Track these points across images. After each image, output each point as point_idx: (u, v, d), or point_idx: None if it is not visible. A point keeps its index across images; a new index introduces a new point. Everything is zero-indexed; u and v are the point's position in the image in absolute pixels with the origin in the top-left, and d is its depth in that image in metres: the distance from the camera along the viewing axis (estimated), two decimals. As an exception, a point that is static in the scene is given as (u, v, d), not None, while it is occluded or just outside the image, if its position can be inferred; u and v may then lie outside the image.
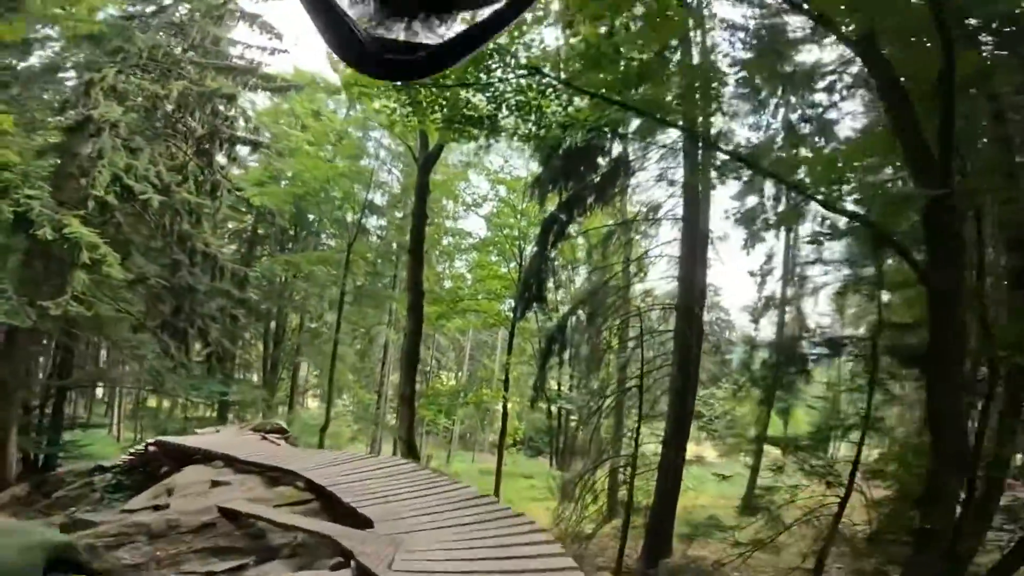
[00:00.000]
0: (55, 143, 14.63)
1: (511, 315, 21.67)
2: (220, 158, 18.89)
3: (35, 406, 20.96)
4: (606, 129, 12.37)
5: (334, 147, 21.39)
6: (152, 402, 25.56)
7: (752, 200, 13.59)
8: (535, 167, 16.80)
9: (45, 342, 20.58)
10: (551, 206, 13.95)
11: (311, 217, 23.89)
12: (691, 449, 14.46)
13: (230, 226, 24.87)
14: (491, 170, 21.81)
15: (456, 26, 0.53)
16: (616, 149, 13.78)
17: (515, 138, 11.36)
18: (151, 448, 9.77)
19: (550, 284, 14.47)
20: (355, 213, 21.68)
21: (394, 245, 26.06)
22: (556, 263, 14.10)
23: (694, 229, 12.42)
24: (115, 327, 18.51)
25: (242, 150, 19.52)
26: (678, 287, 12.75)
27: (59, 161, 14.86)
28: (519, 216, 19.78)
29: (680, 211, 12.80)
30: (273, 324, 25.41)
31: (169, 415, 23.05)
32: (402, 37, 0.53)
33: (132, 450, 11.17)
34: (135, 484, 8.94)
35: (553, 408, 23.45)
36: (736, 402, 17.58)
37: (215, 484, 7.24)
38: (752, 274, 17.86)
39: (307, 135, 20.59)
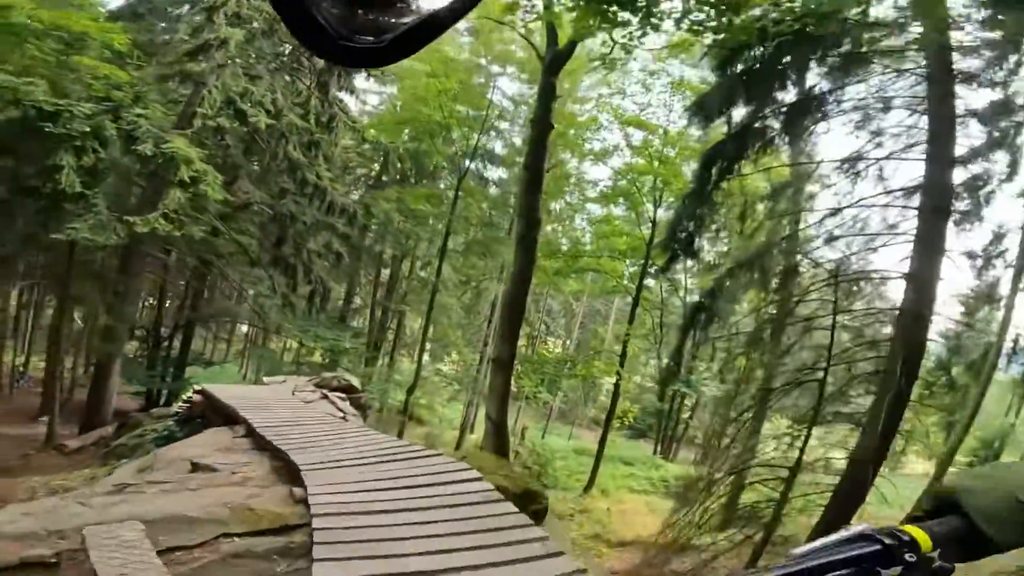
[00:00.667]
0: (176, 68, 14.01)
1: (634, 279, 18.81)
2: (337, 91, 17.70)
3: (164, 338, 21.90)
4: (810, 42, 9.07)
5: (454, 84, 19.45)
6: (274, 343, 26.09)
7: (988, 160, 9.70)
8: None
9: (183, 282, 21.58)
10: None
11: (431, 164, 22.30)
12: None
13: (359, 172, 24.18)
14: (621, 112, 18.71)
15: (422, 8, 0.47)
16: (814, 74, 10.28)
17: (682, 28, 8.36)
18: (197, 397, 8.45)
19: (705, 234, 11.38)
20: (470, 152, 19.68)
21: (512, 199, 24.01)
22: (717, 208, 10.93)
23: (938, 190, 8.81)
24: (232, 260, 18.40)
25: (361, 83, 18.17)
26: (911, 261, 9.15)
27: (178, 84, 14.27)
28: (658, 162, 16.62)
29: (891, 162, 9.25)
30: (386, 272, 24.61)
31: (281, 356, 23.11)
32: (366, 20, 0.48)
33: (185, 397, 10.12)
34: (187, 435, 7.61)
35: (670, 389, 20.47)
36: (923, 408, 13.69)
37: (196, 467, 5.32)
38: (972, 256, 13.44)
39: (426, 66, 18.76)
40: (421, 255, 21.65)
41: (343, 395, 9.88)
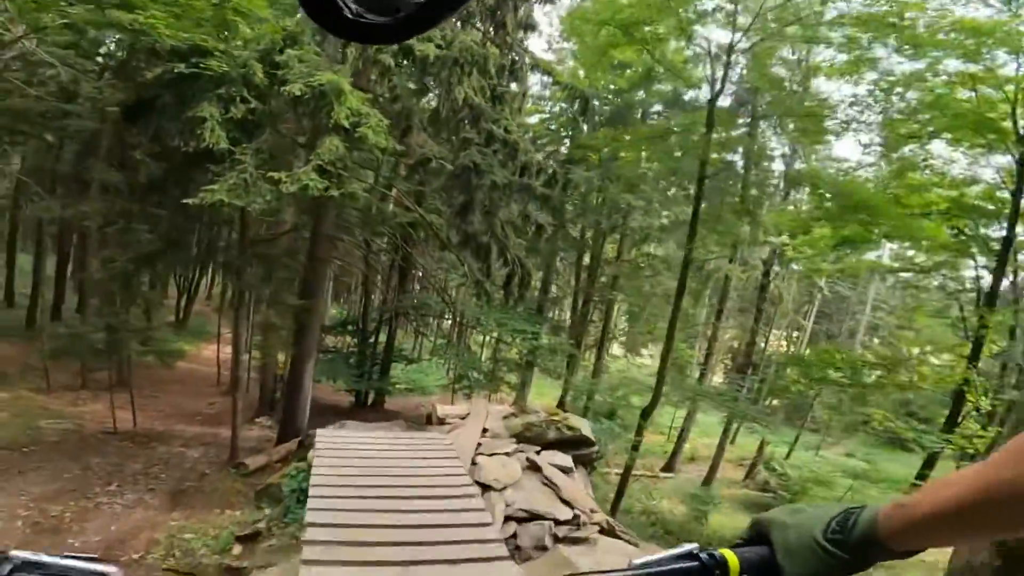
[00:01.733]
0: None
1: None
2: (518, 31, 14.25)
3: (370, 333, 21.16)
4: None
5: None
6: (472, 338, 24.23)
7: None
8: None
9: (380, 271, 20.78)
10: None
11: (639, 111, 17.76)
12: None
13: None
14: None
15: None
16: None
17: None
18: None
19: None
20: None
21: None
22: None
23: None
24: (423, 240, 16.22)
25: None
26: None
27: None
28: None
29: None
30: (587, 257, 20.83)
31: (480, 353, 20.71)
32: None
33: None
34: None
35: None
36: None
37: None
38: None
39: None
40: (636, 227, 17.22)
41: (564, 458, 6.46)
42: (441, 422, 8.61)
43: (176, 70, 7.37)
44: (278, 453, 10.45)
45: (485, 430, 7.70)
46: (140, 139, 8.46)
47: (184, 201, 6.79)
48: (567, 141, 19.49)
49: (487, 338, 23.33)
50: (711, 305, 19.93)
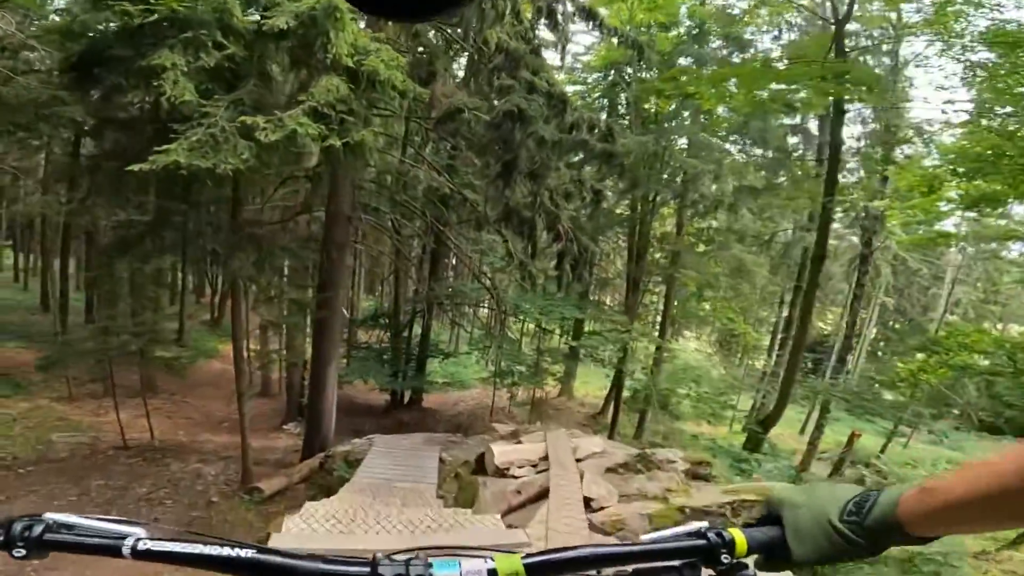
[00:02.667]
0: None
1: None
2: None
3: (403, 327, 19.55)
4: None
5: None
6: (514, 327, 22.32)
7: None
8: None
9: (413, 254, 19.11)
10: None
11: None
12: None
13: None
14: None
15: None
16: None
17: None
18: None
19: None
20: None
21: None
22: None
23: None
24: (456, 229, 14.40)
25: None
26: None
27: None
28: None
29: None
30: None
31: (519, 345, 18.83)
32: None
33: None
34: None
35: None
36: None
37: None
38: None
39: None
40: (704, 196, 14.83)
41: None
42: (501, 473, 5.68)
43: (124, 13, 5.58)
44: (299, 472, 8.83)
45: (589, 502, 4.79)
46: (91, 105, 6.77)
47: (129, 168, 5.06)
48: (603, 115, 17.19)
49: (529, 326, 21.44)
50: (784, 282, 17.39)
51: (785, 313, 16.93)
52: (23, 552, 0.58)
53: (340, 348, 11.10)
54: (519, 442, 5.99)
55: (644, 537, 0.66)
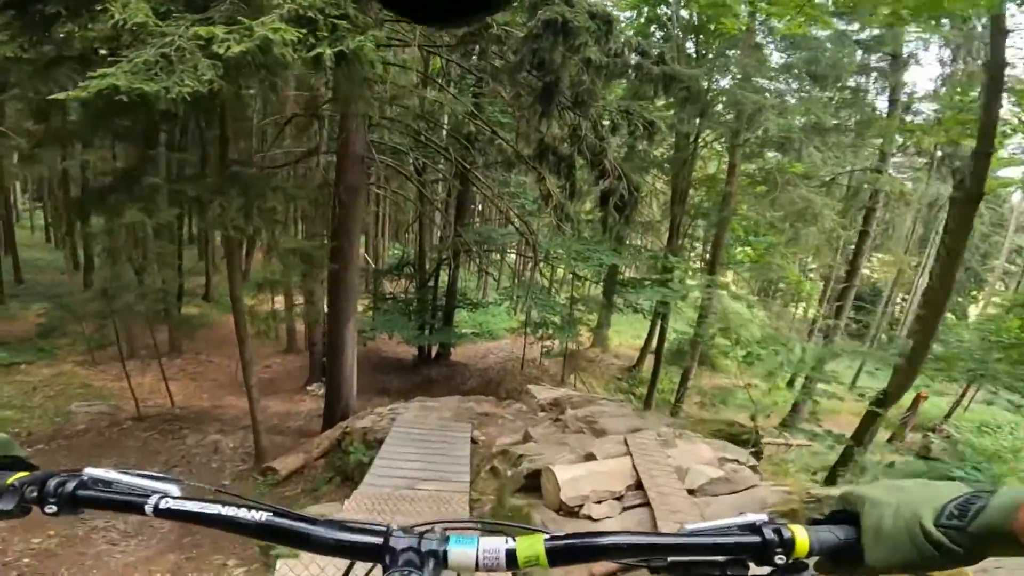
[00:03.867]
0: None
1: None
2: None
3: (428, 276, 18.43)
4: None
5: None
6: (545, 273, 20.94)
7: None
8: None
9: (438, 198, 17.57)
10: None
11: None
12: None
13: None
14: None
15: None
16: None
17: None
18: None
19: None
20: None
21: None
22: None
23: None
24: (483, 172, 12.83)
25: None
26: None
27: None
28: None
29: None
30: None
31: (549, 291, 17.50)
32: None
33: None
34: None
35: None
36: None
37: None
38: None
39: None
40: (765, 133, 12.79)
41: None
42: (570, 511, 3.78)
43: None
44: (319, 447, 7.89)
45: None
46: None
47: (53, 97, 3.76)
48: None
49: (560, 273, 20.08)
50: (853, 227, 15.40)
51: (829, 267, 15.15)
52: (54, 509, 0.59)
53: (359, 303, 9.96)
54: (589, 456, 4.47)
55: (688, 527, 0.58)
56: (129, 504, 0.60)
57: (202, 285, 22.97)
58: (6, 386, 11.71)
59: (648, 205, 23.26)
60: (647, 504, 3.76)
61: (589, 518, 3.62)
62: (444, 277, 17.78)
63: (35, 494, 0.59)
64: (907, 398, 15.58)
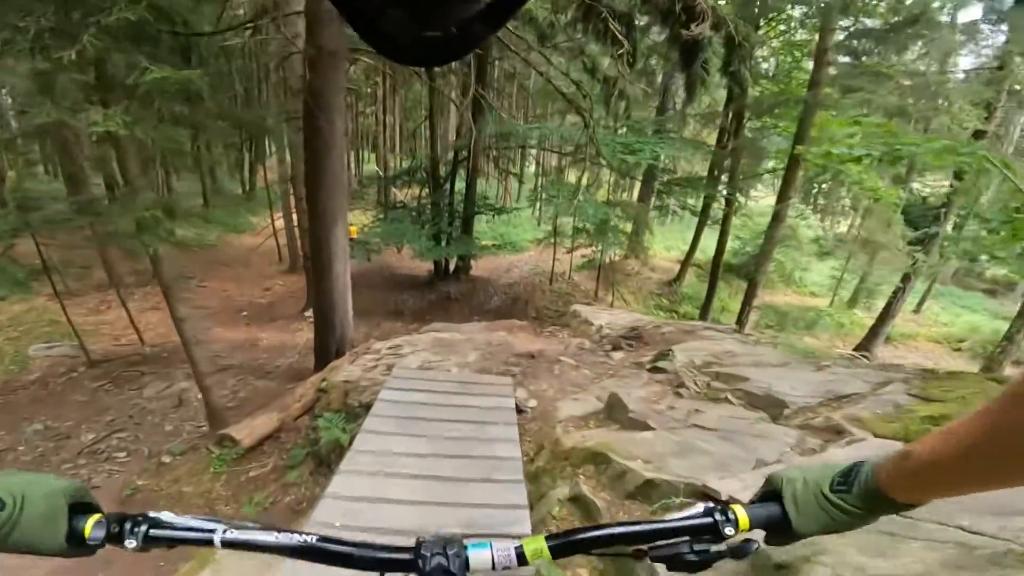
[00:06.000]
0: None
1: None
2: None
3: (443, 180, 15.47)
4: None
5: None
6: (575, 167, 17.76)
7: None
8: None
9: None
10: None
11: None
12: None
13: None
14: None
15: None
16: None
17: None
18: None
19: None
20: None
21: None
22: None
23: None
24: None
25: None
26: None
27: None
28: None
29: None
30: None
31: (575, 191, 14.54)
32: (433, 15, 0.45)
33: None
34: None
35: None
36: None
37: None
38: None
39: None
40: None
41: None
42: None
43: None
44: (301, 400, 5.61)
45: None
46: None
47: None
48: None
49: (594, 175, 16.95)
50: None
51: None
52: (133, 544, 0.62)
53: (366, 215, 7.36)
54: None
55: (658, 519, 0.66)
56: (198, 540, 0.64)
57: (195, 206, 20.43)
58: (-35, 329, 9.71)
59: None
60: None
61: None
62: (460, 184, 14.95)
63: (116, 531, 0.62)
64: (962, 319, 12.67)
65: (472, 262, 15.47)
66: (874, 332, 12.74)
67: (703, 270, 19.56)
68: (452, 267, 15.17)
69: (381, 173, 19.96)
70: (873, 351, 12.33)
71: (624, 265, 17.94)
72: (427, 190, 14.91)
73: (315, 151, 6.28)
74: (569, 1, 6.65)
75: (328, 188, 6.49)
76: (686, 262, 17.39)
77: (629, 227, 15.82)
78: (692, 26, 5.59)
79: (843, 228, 23.80)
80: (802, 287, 19.66)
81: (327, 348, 7.45)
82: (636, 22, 6.54)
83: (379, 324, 12.25)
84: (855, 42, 10.31)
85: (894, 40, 9.86)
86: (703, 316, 12.95)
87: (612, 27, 6.08)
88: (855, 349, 12.56)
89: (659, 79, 14.47)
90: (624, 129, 10.13)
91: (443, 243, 13.73)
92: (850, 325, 15.09)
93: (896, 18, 9.86)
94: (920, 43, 10.72)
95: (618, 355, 4.40)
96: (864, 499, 0.59)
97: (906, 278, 11.60)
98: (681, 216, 17.33)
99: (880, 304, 13.72)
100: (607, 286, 15.59)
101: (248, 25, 7.68)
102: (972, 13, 16.93)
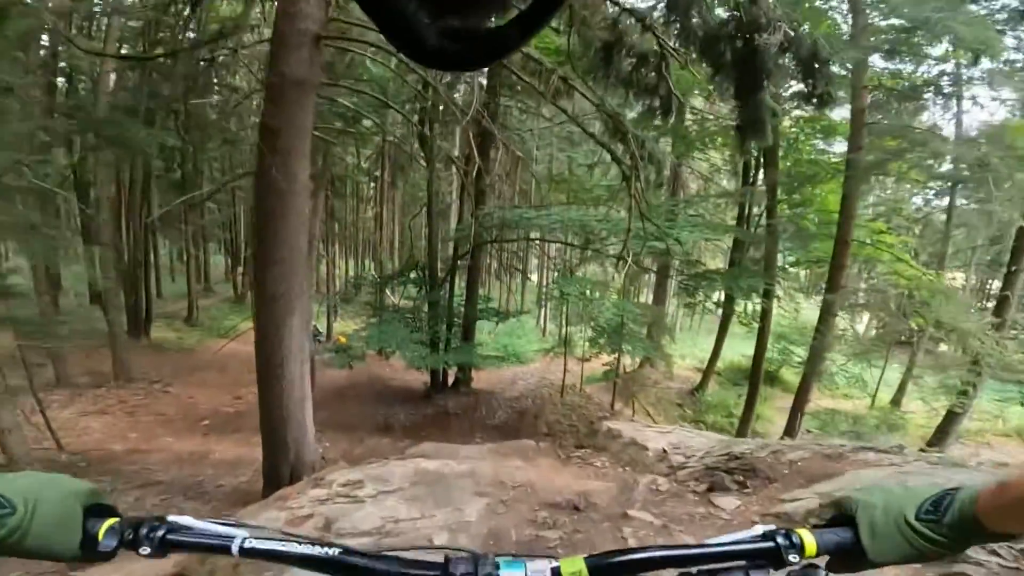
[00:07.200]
0: None
1: None
2: None
3: (440, 280, 14.16)
4: None
5: None
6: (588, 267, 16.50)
7: None
8: None
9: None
10: None
11: None
12: None
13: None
14: None
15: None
16: None
17: None
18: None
19: None
20: None
21: None
22: None
23: None
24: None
25: None
26: None
27: None
28: None
29: None
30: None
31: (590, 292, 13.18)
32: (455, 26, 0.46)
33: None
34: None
35: None
36: None
37: None
38: None
39: None
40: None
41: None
42: None
43: None
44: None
45: None
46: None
47: None
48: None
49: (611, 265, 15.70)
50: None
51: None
52: (148, 551, 0.60)
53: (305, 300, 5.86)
54: None
55: (710, 540, 0.61)
56: (216, 546, 0.61)
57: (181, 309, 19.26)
58: None
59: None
60: None
61: None
62: (460, 287, 13.68)
63: (131, 537, 0.60)
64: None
65: (473, 374, 13.69)
66: (943, 431, 10.75)
67: (723, 376, 17.79)
68: (451, 379, 13.36)
69: (375, 276, 18.89)
70: (946, 452, 10.33)
71: (639, 375, 16.16)
72: (423, 290, 13.59)
73: (267, 212, 4.89)
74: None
75: (282, 263, 5.00)
76: (709, 367, 15.67)
77: (644, 331, 14.32)
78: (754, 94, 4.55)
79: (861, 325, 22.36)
80: (834, 387, 17.86)
81: (278, 472, 5.52)
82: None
83: (362, 440, 10.30)
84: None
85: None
86: (743, 426, 10.95)
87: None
88: (929, 443, 10.66)
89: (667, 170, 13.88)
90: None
91: (440, 350, 12.06)
92: (903, 426, 13.13)
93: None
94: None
95: (727, 501, 2.59)
96: (956, 528, 0.55)
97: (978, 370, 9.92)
98: (690, 321, 15.88)
99: (936, 402, 11.89)
100: (625, 397, 13.71)
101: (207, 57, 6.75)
102: None
